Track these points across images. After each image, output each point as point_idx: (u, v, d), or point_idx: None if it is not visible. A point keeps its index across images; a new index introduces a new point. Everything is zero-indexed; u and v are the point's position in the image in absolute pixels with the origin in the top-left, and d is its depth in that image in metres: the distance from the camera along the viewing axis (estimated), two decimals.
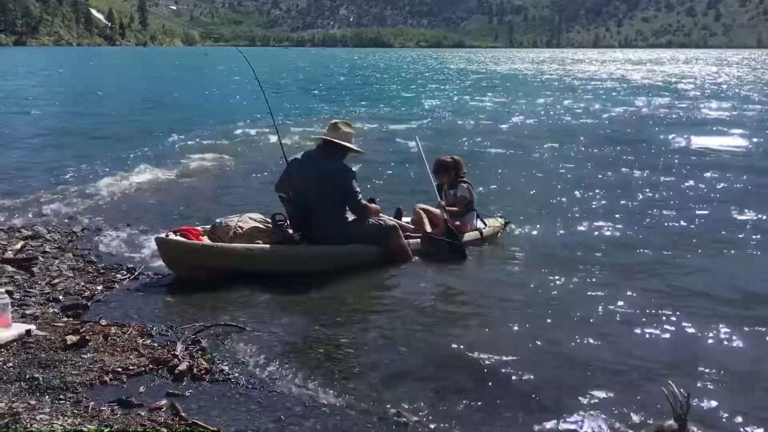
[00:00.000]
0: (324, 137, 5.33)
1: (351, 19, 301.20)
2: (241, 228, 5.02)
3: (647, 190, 8.25)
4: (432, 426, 2.90)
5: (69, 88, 29.85)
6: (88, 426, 2.71)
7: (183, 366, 3.32)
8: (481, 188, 7.04)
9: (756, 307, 4.44)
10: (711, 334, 3.90)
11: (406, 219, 5.92)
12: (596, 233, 6.31)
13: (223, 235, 5.00)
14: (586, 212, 7.09)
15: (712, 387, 3.28)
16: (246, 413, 2.95)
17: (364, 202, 5.27)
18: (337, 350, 3.68)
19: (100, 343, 3.59)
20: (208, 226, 5.15)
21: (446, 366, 3.51)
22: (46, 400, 2.94)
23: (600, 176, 9.12)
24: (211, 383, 3.24)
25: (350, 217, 5.31)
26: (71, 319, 4.01)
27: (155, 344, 3.66)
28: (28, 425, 2.67)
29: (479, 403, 3.09)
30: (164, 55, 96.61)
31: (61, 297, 4.37)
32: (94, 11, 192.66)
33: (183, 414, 2.88)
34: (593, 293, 4.59)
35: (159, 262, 5.02)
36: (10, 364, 3.26)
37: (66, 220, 6.54)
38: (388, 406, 3.04)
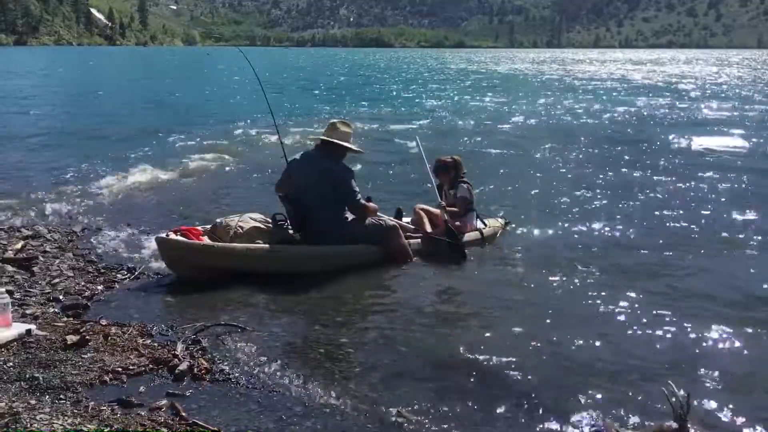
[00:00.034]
0: (322, 137, 5.33)
1: (351, 19, 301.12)
2: (242, 228, 5.02)
3: (647, 190, 8.25)
4: (432, 426, 2.90)
5: (69, 87, 29.85)
6: (88, 426, 2.71)
7: (183, 366, 3.32)
8: (481, 188, 7.04)
9: (756, 307, 4.44)
10: (711, 335, 3.90)
11: (406, 219, 5.93)
12: (596, 233, 6.31)
13: (223, 234, 5.00)
14: (586, 212, 7.09)
15: (712, 387, 3.28)
16: (246, 413, 2.96)
17: (363, 201, 5.28)
18: (337, 350, 3.68)
19: (101, 342, 3.59)
20: (209, 226, 5.16)
21: (446, 366, 3.51)
22: (46, 399, 2.94)
23: (600, 176, 9.12)
24: (211, 383, 3.24)
25: (350, 217, 5.31)
26: (71, 318, 4.02)
27: (155, 344, 3.66)
28: (28, 425, 2.67)
29: (479, 403, 3.10)
30: (164, 55, 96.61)
31: (61, 297, 4.37)
32: (94, 11, 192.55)
33: (183, 414, 2.88)
34: (593, 293, 4.59)
35: (159, 262, 5.03)
36: (11, 363, 3.26)
37: (66, 220, 6.54)
38: (389, 406, 3.04)
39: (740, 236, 6.19)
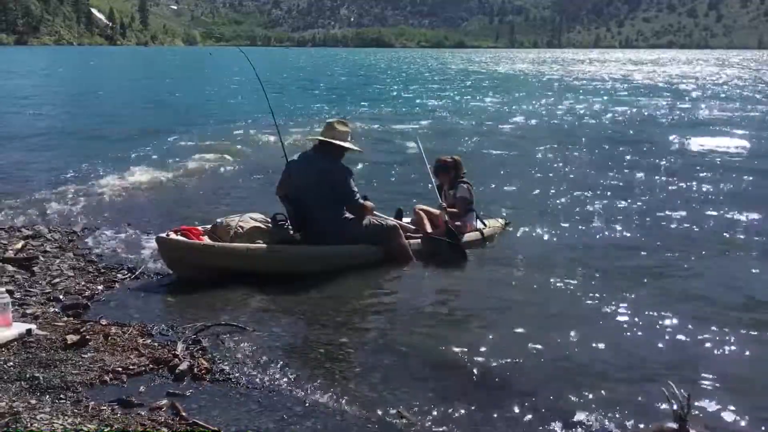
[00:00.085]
0: (320, 138, 5.33)
1: (352, 19, 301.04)
2: (242, 228, 5.02)
3: (648, 191, 8.25)
4: (432, 426, 2.90)
5: (69, 87, 29.85)
6: (89, 425, 2.71)
7: (183, 366, 3.33)
8: (481, 188, 7.04)
9: (756, 308, 4.44)
10: (711, 335, 3.90)
11: (406, 219, 5.93)
12: (596, 234, 6.31)
13: (223, 234, 5.00)
14: (586, 213, 7.09)
15: (712, 388, 3.28)
16: (246, 413, 2.96)
17: (361, 201, 5.27)
18: (337, 350, 3.68)
19: (101, 342, 3.59)
20: (209, 226, 5.16)
21: (446, 366, 3.51)
22: (46, 399, 2.95)
23: (600, 177, 9.11)
24: (211, 383, 3.24)
25: (350, 216, 5.31)
26: (72, 318, 4.02)
27: (156, 344, 3.67)
28: (29, 425, 2.68)
29: (479, 404, 3.10)
30: (165, 55, 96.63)
31: (61, 296, 4.37)
32: (94, 11, 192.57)
33: (183, 414, 2.88)
34: (593, 294, 4.59)
35: (159, 262, 5.03)
36: (11, 363, 3.26)
37: (67, 220, 6.54)
38: (389, 406, 3.05)
39: (741, 237, 6.19)
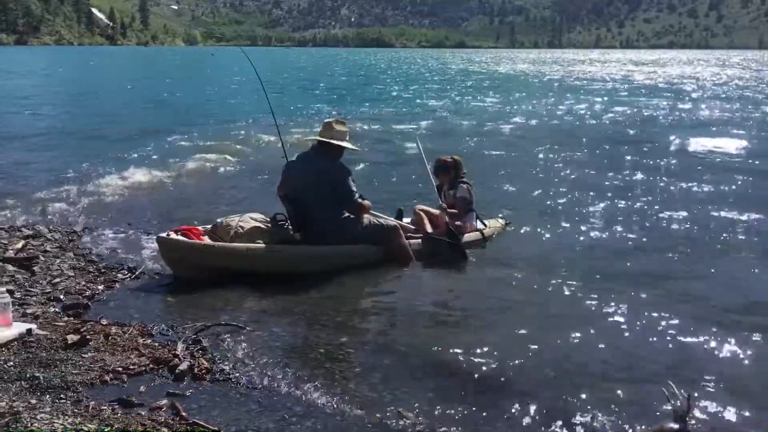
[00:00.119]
0: (318, 138, 5.33)
1: (352, 19, 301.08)
2: (242, 228, 5.02)
3: (648, 191, 8.25)
4: (432, 426, 2.90)
5: (69, 87, 29.86)
6: (89, 425, 2.71)
7: (184, 366, 3.33)
8: (481, 188, 7.03)
9: (756, 309, 4.44)
10: (711, 336, 3.89)
11: (406, 220, 5.93)
12: (596, 234, 6.30)
13: (224, 234, 5.00)
14: (586, 213, 7.09)
15: (712, 388, 3.28)
16: (246, 413, 2.96)
17: (360, 201, 5.28)
18: (337, 350, 3.68)
19: (101, 342, 3.60)
20: (209, 226, 5.16)
21: (446, 366, 3.51)
22: (46, 399, 2.95)
23: (601, 177, 9.11)
24: (211, 383, 3.24)
25: (350, 216, 5.31)
26: (72, 318, 4.02)
27: (156, 344, 3.67)
28: (29, 424, 2.68)
29: (479, 404, 3.09)
30: (165, 55, 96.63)
31: (61, 296, 4.37)
32: (95, 11, 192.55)
33: (183, 414, 2.88)
34: (593, 294, 4.59)
35: (160, 262, 5.03)
36: (11, 363, 3.27)
37: (67, 220, 6.54)
38: (389, 406, 3.05)
39: (741, 238, 6.19)
